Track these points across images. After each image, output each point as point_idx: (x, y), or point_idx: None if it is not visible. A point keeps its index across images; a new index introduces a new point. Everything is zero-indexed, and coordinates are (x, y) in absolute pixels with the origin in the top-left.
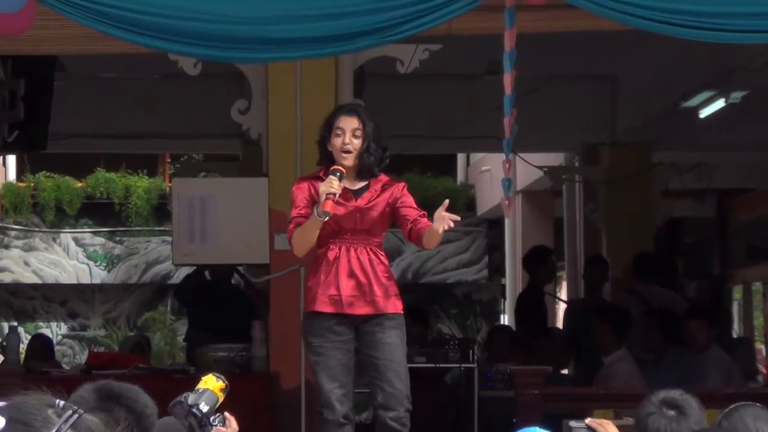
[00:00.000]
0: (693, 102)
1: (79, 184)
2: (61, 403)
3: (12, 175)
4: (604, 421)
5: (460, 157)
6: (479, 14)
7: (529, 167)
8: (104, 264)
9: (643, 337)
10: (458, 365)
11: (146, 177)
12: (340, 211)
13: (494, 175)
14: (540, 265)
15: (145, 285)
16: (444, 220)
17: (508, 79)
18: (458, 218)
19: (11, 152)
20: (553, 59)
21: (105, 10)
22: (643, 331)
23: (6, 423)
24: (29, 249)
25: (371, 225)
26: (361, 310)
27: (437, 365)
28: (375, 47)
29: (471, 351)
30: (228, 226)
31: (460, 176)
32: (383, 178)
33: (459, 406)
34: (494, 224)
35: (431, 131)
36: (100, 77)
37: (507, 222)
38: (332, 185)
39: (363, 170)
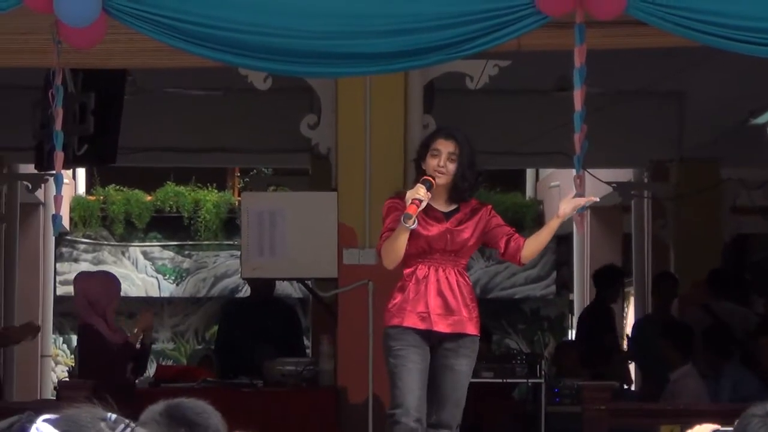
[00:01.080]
0: (761, 119)
1: (149, 198)
2: (113, 416)
3: (82, 189)
4: None
5: (529, 173)
6: (549, 30)
7: (598, 183)
8: (173, 278)
9: (703, 354)
10: (526, 380)
11: (215, 191)
12: (432, 231)
13: (563, 191)
14: (608, 285)
15: (213, 299)
16: (570, 204)
17: (578, 95)
18: (595, 199)
19: (81, 165)
20: (621, 76)
21: (175, 24)
22: (703, 348)
23: None
24: (98, 262)
25: (460, 246)
26: (447, 328)
27: (505, 380)
28: (444, 63)
29: (538, 366)
30: (297, 241)
31: (529, 192)
32: (473, 202)
33: (526, 422)
34: (562, 240)
35: (500, 147)
36: (170, 91)
37: (575, 238)
38: (419, 192)
39: (455, 194)
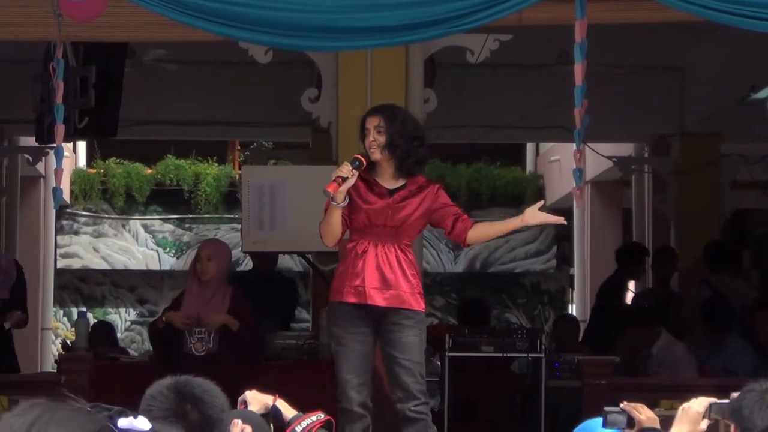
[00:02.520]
0: (762, 94)
1: (149, 171)
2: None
3: (82, 162)
4: (639, 405)
5: (530, 147)
6: (550, 4)
7: (599, 158)
8: (173, 251)
9: (703, 328)
10: (526, 355)
11: (216, 164)
12: (374, 206)
13: (563, 165)
14: (633, 264)
15: None
16: (537, 217)
17: (579, 70)
18: (563, 221)
19: (82, 138)
20: (622, 50)
21: None
22: (703, 322)
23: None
24: (98, 235)
25: (401, 222)
26: (383, 302)
27: (504, 354)
28: (446, 37)
29: (538, 341)
30: (297, 214)
31: (529, 166)
32: (420, 179)
33: (526, 396)
34: (563, 214)
35: (501, 121)
36: (170, 64)
37: (576, 212)
38: (342, 170)
39: (400, 169)
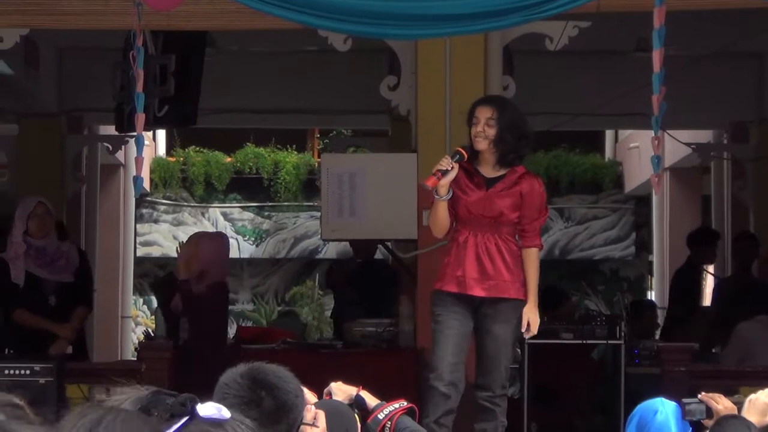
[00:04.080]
0: None
1: (228, 159)
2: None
3: (162, 150)
4: (716, 395)
5: (608, 134)
6: None
7: (678, 144)
8: (253, 238)
9: None
10: (605, 341)
11: (295, 152)
12: (472, 197)
13: (642, 152)
14: (704, 246)
15: (293, 260)
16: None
17: (657, 57)
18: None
19: (161, 127)
20: (701, 37)
21: None
22: None
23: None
24: (178, 223)
25: (499, 213)
26: (482, 292)
27: (584, 341)
28: (524, 24)
29: (618, 327)
30: (376, 202)
31: (608, 153)
32: (520, 169)
33: (605, 383)
34: (642, 201)
35: (580, 108)
36: (250, 52)
37: (655, 199)
38: (442, 163)
39: (501, 161)
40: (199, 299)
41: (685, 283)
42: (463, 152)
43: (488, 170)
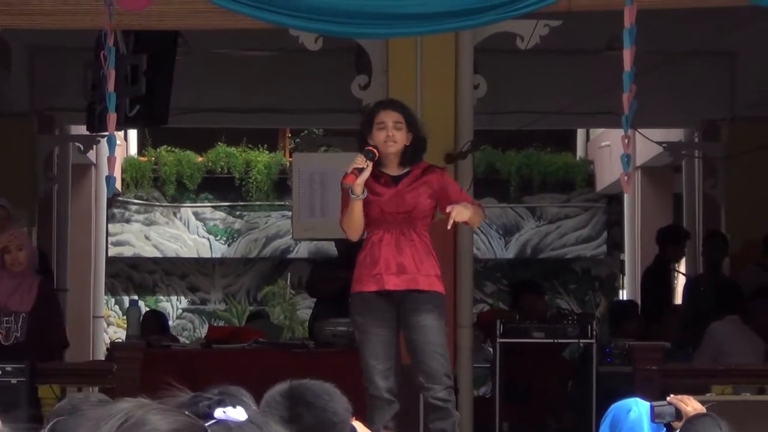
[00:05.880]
0: None
1: (200, 159)
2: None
3: (133, 150)
4: (685, 397)
5: (580, 133)
6: None
7: (649, 143)
8: (224, 238)
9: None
10: (577, 340)
11: (266, 152)
12: (383, 196)
13: (614, 151)
14: (673, 244)
15: (265, 259)
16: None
17: (627, 55)
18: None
19: (133, 127)
20: (672, 35)
21: None
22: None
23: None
24: (150, 223)
25: (412, 207)
26: (402, 285)
27: (556, 340)
28: (496, 23)
29: (590, 326)
30: None
31: (580, 152)
32: (423, 164)
33: (577, 382)
34: (613, 200)
35: (551, 107)
36: (221, 52)
37: (626, 198)
38: (357, 162)
39: (406, 158)
40: None
41: (656, 281)
42: (375, 151)
43: (393, 170)
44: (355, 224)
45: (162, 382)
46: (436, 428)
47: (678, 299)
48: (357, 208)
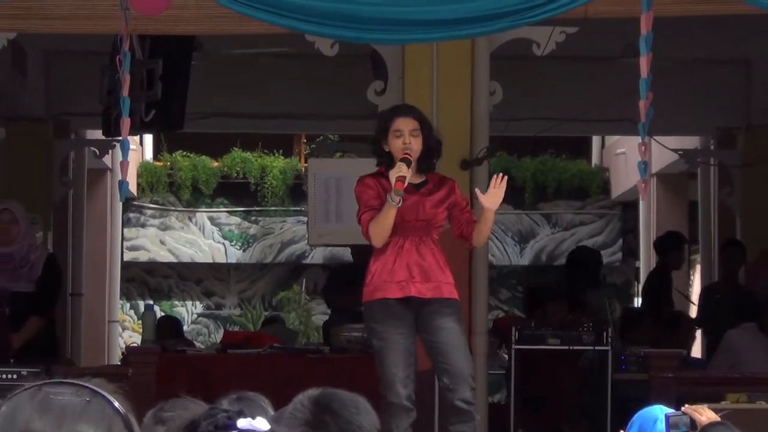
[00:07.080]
0: None
1: (216, 164)
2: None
3: (149, 155)
4: (699, 407)
5: (595, 140)
6: None
7: (664, 150)
8: (239, 243)
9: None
10: (592, 347)
11: (282, 157)
12: (406, 203)
13: (629, 158)
14: (673, 250)
15: (280, 264)
16: (490, 195)
17: (644, 63)
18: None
19: (148, 131)
20: (688, 43)
21: None
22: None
23: None
24: (165, 228)
25: (432, 215)
26: (428, 293)
27: (571, 347)
28: (512, 29)
29: (605, 333)
30: None
31: (595, 159)
32: (437, 174)
33: (592, 389)
34: (629, 207)
35: (566, 114)
36: (237, 57)
37: (641, 205)
38: (401, 170)
39: (423, 166)
40: None
41: (655, 285)
42: (410, 158)
43: (412, 178)
44: (387, 231)
45: (177, 386)
46: (456, 431)
47: (679, 306)
48: (392, 215)
